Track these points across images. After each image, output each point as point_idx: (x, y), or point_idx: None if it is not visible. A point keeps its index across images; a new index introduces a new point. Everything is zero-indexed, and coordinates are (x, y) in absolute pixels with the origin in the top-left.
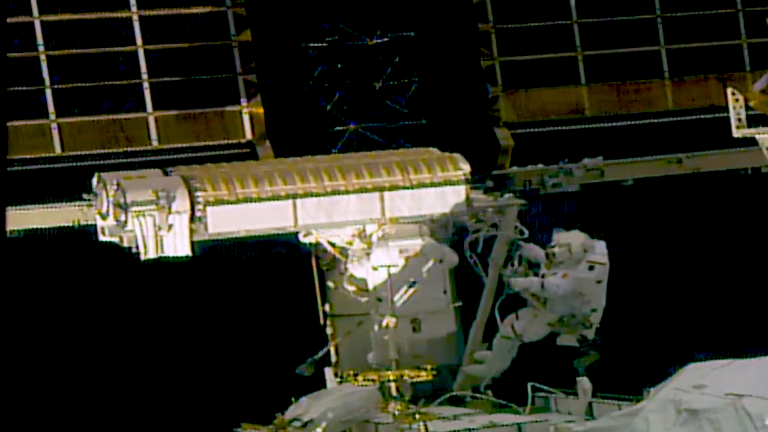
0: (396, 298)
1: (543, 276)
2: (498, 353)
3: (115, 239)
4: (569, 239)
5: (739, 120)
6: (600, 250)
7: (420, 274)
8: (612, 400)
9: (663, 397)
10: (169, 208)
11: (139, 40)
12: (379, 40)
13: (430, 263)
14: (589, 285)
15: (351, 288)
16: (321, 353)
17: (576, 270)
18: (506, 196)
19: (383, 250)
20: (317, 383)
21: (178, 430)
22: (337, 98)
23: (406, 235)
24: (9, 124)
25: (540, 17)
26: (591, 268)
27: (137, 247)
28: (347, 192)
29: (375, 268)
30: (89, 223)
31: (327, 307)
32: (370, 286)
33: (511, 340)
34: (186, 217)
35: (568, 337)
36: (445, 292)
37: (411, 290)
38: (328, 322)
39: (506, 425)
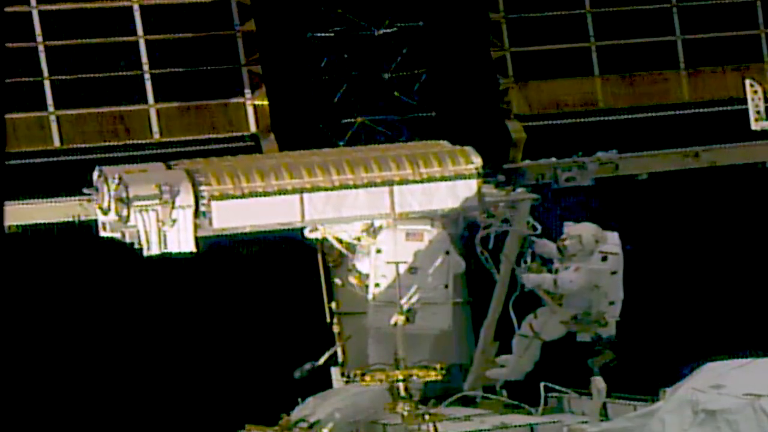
0: (393, 281)
1: (556, 271)
2: (519, 354)
3: (117, 235)
4: (580, 231)
5: (758, 112)
6: (612, 240)
7: (424, 261)
8: (627, 401)
9: (679, 397)
10: (173, 202)
11: (140, 30)
12: (387, 30)
13: (436, 253)
14: (604, 276)
15: (353, 280)
16: (320, 361)
17: (589, 262)
18: (518, 190)
19: (390, 232)
20: (323, 383)
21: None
22: (344, 90)
23: (416, 221)
24: (7, 116)
25: (552, 6)
26: (604, 258)
27: (139, 242)
28: (356, 186)
29: (379, 251)
30: (90, 218)
31: (334, 305)
32: (371, 274)
33: (529, 339)
34: (190, 211)
35: (587, 334)
36: (446, 286)
37: (410, 277)
38: (335, 320)
39: (518, 426)
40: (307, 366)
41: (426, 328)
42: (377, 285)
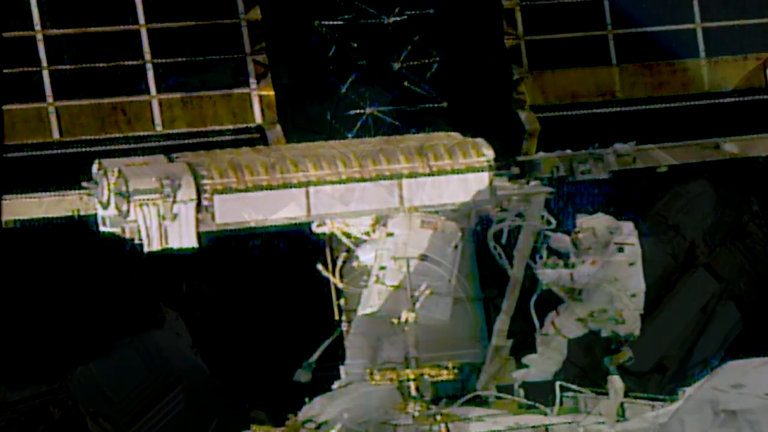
0: (399, 265)
1: (573, 266)
2: (543, 353)
3: (117, 230)
4: (593, 223)
5: None
6: (627, 230)
7: (432, 251)
8: (645, 401)
9: (699, 397)
10: (174, 196)
11: (141, 19)
12: (397, 18)
13: (445, 246)
14: (622, 268)
15: (355, 265)
16: (316, 356)
17: (605, 254)
18: (532, 183)
19: (405, 217)
20: (331, 383)
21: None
22: (353, 80)
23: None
24: (4, 107)
25: None
26: (620, 250)
27: (140, 238)
28: (363, 180)
29: (390, 234)
30: (89, 212)
31: (342, 302)
32: (378, 256)
33: (551, 336)
34: (192, 206)
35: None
36: (449, 281)
37: (417, 264)
38: (344, 318)
39: (533, 427)
40: (305, 365)
41: (423, 317)
42: (383, 268)
